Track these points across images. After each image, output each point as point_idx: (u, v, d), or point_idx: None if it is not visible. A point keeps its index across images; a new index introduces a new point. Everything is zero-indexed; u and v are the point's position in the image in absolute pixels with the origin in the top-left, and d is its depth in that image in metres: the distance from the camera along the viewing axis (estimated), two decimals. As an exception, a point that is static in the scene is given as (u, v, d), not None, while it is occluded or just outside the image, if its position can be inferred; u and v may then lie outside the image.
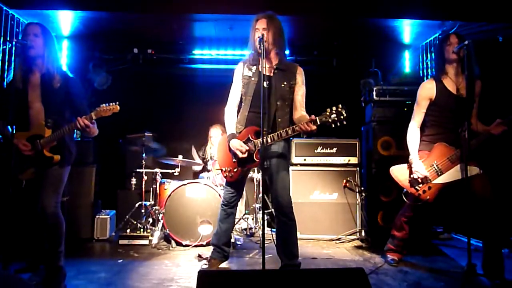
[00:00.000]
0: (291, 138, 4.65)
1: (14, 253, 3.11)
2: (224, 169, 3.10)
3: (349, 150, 4.66)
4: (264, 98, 2.66)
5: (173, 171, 4.59)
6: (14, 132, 2.79)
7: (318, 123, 2.70)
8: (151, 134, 5.24)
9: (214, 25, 5.09)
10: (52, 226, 2.78)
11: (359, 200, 4.55)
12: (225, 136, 3.07)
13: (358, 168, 4.63)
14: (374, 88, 4.48)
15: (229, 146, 2.98)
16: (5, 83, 4.04)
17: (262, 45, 2.70)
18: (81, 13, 4.61)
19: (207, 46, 5.58)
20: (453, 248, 4.23)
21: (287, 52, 5.48)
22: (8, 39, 4.33)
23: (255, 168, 4.53)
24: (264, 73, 2.71)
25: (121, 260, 3.62)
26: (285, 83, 2.96)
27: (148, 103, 5.73)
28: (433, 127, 3.21)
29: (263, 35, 2.77)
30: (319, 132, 4.58)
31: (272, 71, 2.97)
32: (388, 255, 3.55)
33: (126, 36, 5.41)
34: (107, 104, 2.77)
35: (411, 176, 3.18)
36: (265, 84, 2.71)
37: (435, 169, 3.13)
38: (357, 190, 4.56)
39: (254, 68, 3.00)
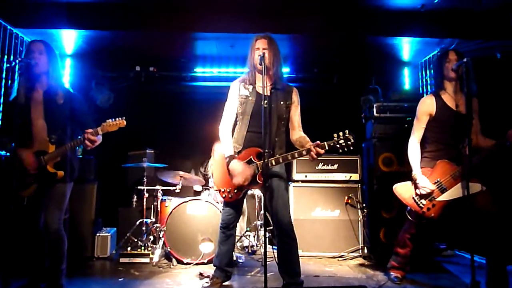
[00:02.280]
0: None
1: (16, 271, 3.10)
2: (222, 190, 3.02)
3: (350, 167, 4.66)
4: (264, 118, 2.69)
5: (174, 188, 4.58)
6: (16, 149, 2.79)
7: (327, 148, 2.73)
8: (152, 151, 5.26)
9: (215, 43, 5.17)
10: (54, 243, 2.77)
11: (361, 216, 4.52)
12: (223, 156, 3.00)
13: (359, 184, 4.62)
14: (375, 105, 4.51)
15: (228, 169, 2.91)
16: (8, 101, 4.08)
17: (263, 63, 2.74)
18: (84, 32, 4.68)
19: (209, 64, 5.65)
20: (457, 265, 4.19)
21: (287, 69, 5.62)
22: (12, 57, 4.39)
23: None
24: (262, 92, 2.74)
25: (121, 279, 3.58)
26: (282, 102, 2.98)
27: (150, 120, 5.76)
28: (433, 143, 3.21)
29: (264, 53, 2.83)
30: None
31: (270, 90, 2.96)
32: (392, 273, 3.51)
33: (128, 54, 5.48)
34: (113, 119, 2.80)
35: (416, 192, 3.16)
36: (265, 103, 2.73)
37: (439, 186, 3.12)
38: (359, 207, 4.54)
39: (251, 87, 3.00)
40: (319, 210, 4.56)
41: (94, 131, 2.75)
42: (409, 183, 3.26)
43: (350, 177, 4.64)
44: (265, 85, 2.74)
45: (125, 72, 5.59)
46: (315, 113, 5.35)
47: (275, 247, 4.66)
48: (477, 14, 4.53)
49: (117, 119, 2.81)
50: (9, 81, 4.33)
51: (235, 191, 2.99)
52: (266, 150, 2.64)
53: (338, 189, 4.61)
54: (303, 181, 4.64)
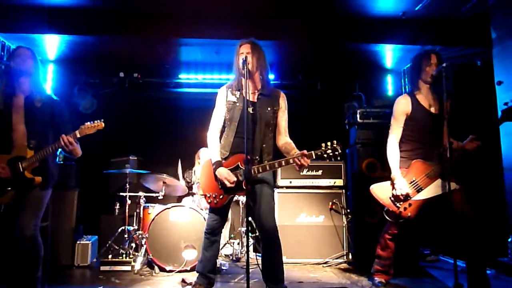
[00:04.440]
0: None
1: None
2: (208, 195, 3.00)
3: (335, 172, 4.67)
4: (249, 124, 2.73)
5: (157, 194, 4.52)
6: None
7: (314, 157, 2.72)
8: (136, 158, 5.20)
9: (200, 49, 5.17)
10: (29, 249, 2.70)
11: (345, 222, 4.52)
12: (209, 161, 3.00)
13: (344, 190, 4.63)
14: (358, 111, 4.55)
15: (215, 174, 2.90)
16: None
17: (245, 67, 2.75)
18: (67, 37, 4.65)
19: (193, 70, 5.64)
20: (440, 270, 4.20)
21: (272, 76, 5.64)
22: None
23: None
24: (248, 98, 2.77)
25: (101, 287, 3.49)
26: (269, 108, 2.97)
27: (134, 127, 5.71)
28: (409, 142, 3.24)
29: (246, 57, 2.85)
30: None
31: (256, 96, 2.97)
32: (376, 278, 3.48)
33: (112, 60, 5.45)
34: (91, 122, 2.76)
35: (393, 193, 3.18)
36: (250, 110, 2.79)
37: (415, 186, 3.15)
38: (343, 212, 4.54)
39: (238, 93, 2.98)
40: (303, 216, 4.54)
41: (72, 135, 2.71)
42: (386, 183, 3.28)
43: (335, 182, 4.65)
44: (247, 89, 2.75)
45: (109, 78, 5.54)
46: (300, 120, 5.34)
47: (259, 254, 4.67)
48: (458, 22, 4.63)
49: (96, 121, 2.76)
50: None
51: (221, 196, 2.95)
52: (249, 157, 2.64)
53: (323, 195, 4.61)
54: (287, 187, 4.63)
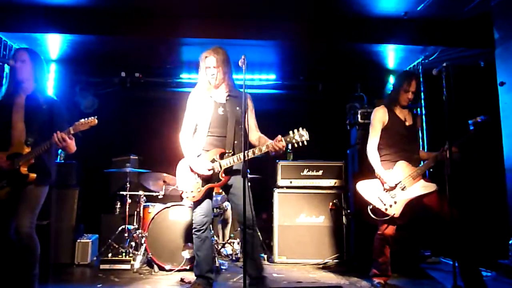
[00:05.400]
0: (277, 161, 4.66)
1: None
2: (186, 191, 3.11)
3: (335, 173, 4.66)
4: (221, 123, 3.09)
5: (157, 193, 4.53)
6: None
7: (284, 143, 2.91)
8: (136, 157, 5.21)
9: (201, 49, 5.13)
10: (25, 247, 2.70)
11: (345, 223, 4.50)
12: (184, 160, 3.17)
13: (344, 190, 4.61)
14: (359, 111, 4.53)
15: (191, 168, 3.08)
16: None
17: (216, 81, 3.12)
18: (69, 36, 4.66)
19: (195, 70, 5.61)
20: (440, 271, 4.17)
21: (274, 76, 5.65)
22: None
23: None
24: (218, 101, 3.12)
25: (100, 285, 3.50)
26: (237, 108, 3.14)
27: (135, 126, 5.72)
28: (388, 147, 3.42)
29: (214, 73, 3.09)
30: (305, 154, 4.62)
31: (225, 98, 3.18)
32: (374, 280, 3.48)
33: (113, 60, 5.46)
34: (85, 119, 2.77)
35: (385, 187, 3.28)
36: (220, 110, 3.11)
37: (400, 185, 3.26)
38: (343, 213, 4.52)
39: (207, 95, 3.17)
40: (303, 217, 4.53)
41: (65, 131, 2.72)
42: (371, 181, 3.37)
43: (335, 183, 4.63)
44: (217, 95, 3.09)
45: (110, 78, 5.56)
46: (301, 121, 5.28)
47: (261, 254, 4.67)
48: (460, 22, 4.60)
49: (89, 118, 2.78)
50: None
51: (198, 190, 3.08)
52: (224, 150, 3.04)
53: (323, 195, 4.59)
54: (287, 187, 4.62)
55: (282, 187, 4.62)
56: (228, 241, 4.66)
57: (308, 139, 2.91)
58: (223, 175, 3.05)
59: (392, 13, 4.47)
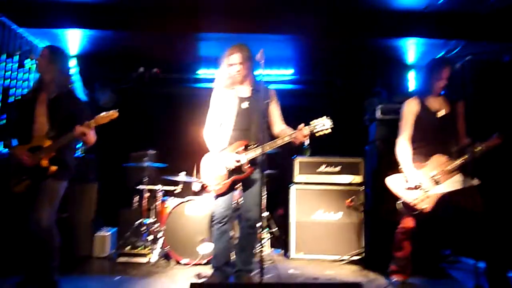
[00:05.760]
0: (294, 157, 4.63)
1: (11, 267, 3.18)
2: (211, 184, 3.16)
3: (354, 169, 4.59)
4: (246, 117, 3.13)
5: (175, 188, 4.55)
6: (13, 146, 2.89)
7: (307, 131, 2.96)
8: (154, 152, 5.24)
9: (218, 44, 5.14)
10: (45, 239, 2.76)
11: (363, 220, 4.44)
12: (208, 154, 3.24)
13: (362, 187, 4.55)
14: (378, 107, 4.45)
15: (217, 160, 3.13)
16: (13, 98, 4.12)
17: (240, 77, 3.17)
18: (89, 32, 4.71)
19: (212, 65, 5.63)
20: (461, 270, 4.08)
21: (292, 71, 5.61)
22: (17, 57, 4.41)
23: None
24: (243, 96, 3.18)
25: (118, 277, 3.55)
26: (261, 101, 3.13)
27: (153, 121, 5.76)
28: (420, 140, 3.28)
29: (239, 70, 3.13)
30: (322, 150, 4.58)
31: (249, 92, 3.23)
32: (393, 277, 3.43)
33: (132, 55, 5.49)
34: (106, 112, 2.83)
35: (407, 185, 3.19)
36: (244, 105, 3.16)
37: (433, 179, 3.15)
38: (361, 210, 4.46)
39: (232, 91, 3.23)
40: (321, 213, 4.49)
41: (86, 124, 2.76)
42: (401, 175, 3.27)
43: (353, 179, 4.57)
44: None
45: (129, 73, 5.58)
46: (318, 116, 5.29)
47: (277, 250, 4.66)
48: (484, 15, 4.45)
49: (110, 111, 2.82)
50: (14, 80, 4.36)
51: (224, 182, 3.12)
52: (248, 143, 3.08)
53: (341, 191, 4.53)
54: (305, 183, 4.58)
55: (299, 183, 4.58)
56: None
57: (332, 126, 2.94)
58: (248, 166, 3.09)
59: (412, 6, 4.36)
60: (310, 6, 4.47)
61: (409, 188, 3.17)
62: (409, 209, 3.20)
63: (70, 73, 3.04)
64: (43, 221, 2.73)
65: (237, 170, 3.11)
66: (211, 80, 5.66)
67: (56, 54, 2.98)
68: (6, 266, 3.39)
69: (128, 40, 5.09)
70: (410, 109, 3.33)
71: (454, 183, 3.11)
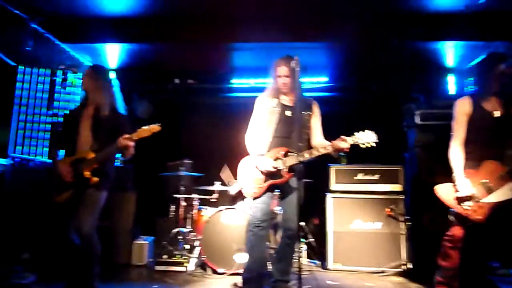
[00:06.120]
0: (329, 165, 4.54)
1: (56, 274, 3.29)
2: (247, 187, 3.18)
3: (392, 177, 4.45)
4: (288, 125, 3.17)
5: (210, 197, 4.57)
6: (56, 158, 3.05)
7: (347, 143, 2.93)
8: (190, 162, 5.30)
9: (252, 54, 5.19)
10: (87, 247, 2.85)
11: (404, 230, 4.28)
12: (247, 158, 3.28)
13: (402, 196, 4.39)
14: (417, 112, 4.31)
15: (256, 165, 3.14)
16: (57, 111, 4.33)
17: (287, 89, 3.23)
18: (127, 45, 4.87)
19: (246, 75, 5.67)
20: (511, 284, 3.84)
21: (326, 79, 5.55)
22: (60, 72, 4.61)
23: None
24: (287, 104, 3.24)
25: (156, 286, 3.58)
26: (304, 112, 3.20)
27: (188, 131, 5.84)
28: (474, 143, 3.05)
29: (285, 82, 3.19)
30: (359, 158, 4.48)
31: (293, 102, 3.25)
32: (438, 289, 3.25)
33: (167, 67, 5.62)
34: (148, 126, 2.91)
35: (457, 195, 2.97)
36: (288, 113, 3.20)
37: (485, 187, 2.92)
38: (401, 219, 4.30)
39: (276, 100, 3.27)
40: (359, 222, 4.36)
41: (129, 137, 2.84)
42: (452, 184, 3.06)
43: (392, 188, 4.42)
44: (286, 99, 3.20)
45: (164, 85, 5.73)
46: (354, 123, 5.16)
47: (313, 261, 4.56)
48: (529, 15, 4.25)
49: (152, 125, 2.90)
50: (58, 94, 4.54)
51: (260, 185, 3.13)
52: (288, 150, 3.08)
53: (379, 200, 4.40)
54: (341, 192, 4.48)
55: (335, 191, 4.49)
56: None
57: (376, 141, 2.91)
58: (286, 172, 3.07)
59: (451, 7, 4.21)
60: (344, 11, 4.42)
61: (460, 198, 2.96)
62: (461, 220, 2.99)
63: (113, 90, 3.19)
64: (84, 230, 2.83)
65: (276, 175, 3.10)
66: (245, 90, 5.80)
67: (100, 72, 3.16)
68: (50, 273, 3.51)
69: (164, 52, 5.21)
70: (462, 110, 3.10)
71: (508, 192, 2.87)
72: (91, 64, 3.39)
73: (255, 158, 3.17)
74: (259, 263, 3.15)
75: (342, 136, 2.96)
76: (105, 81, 3.15)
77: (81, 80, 3.15)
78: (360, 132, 2.93)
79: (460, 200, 2.96)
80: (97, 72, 3.16)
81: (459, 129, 3.10)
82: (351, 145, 2.93)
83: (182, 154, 5.37)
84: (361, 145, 2.92)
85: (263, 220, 3.13)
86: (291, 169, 3.08)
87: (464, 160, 3.06)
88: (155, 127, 2.91)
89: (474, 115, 3.05)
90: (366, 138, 2.91)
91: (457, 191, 2.97)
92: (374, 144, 2.91)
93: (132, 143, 2.89)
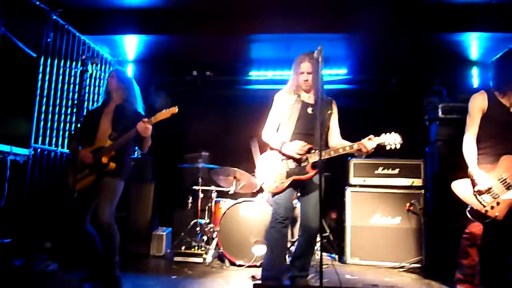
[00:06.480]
0: (349, 158, 4.49)
1: (76, 262, 3.40)
2: (268, 182, 3.09)
3: (413, 172, 4.37)
4: (310, 122, 3.10)
5: (228, 189, 4.57)
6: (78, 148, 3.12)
7: (375, 143, 2.93)
8: (208, 154, 5.31)
9: (270, 46, 5.14)
10: (106, 236, 2.94)
11: (424, 225, 4.21)
12: (267, 153, 3.19)
13: (423, 191, 4.32)
14: (440, 106, 4.21)
15: (282, 153, 3.05)
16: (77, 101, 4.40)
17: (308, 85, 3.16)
18: (145, 37, 4.87)
19: (264, 67, 5.63)
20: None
21: (345, 71, 5.47)
22: (79, 63, 4.64)
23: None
24: (307, 101, 3.16)
25: (175, 277, 3.61)
26: (324, 110, 3.12)
27: (206, 123, 5.83)
28: (489, 139, 3.06)
29: (307, 79, 3.13)
30: (380, 152, 4.41)
31: (313, 99, 3.20)
32: (458, 286, 3.20)
33: (185, 59, 5.61)
34: (166, 109, 3.02)
35: (474, 189, 2.95)
36: (309, 110, 3.12)
37: (504, 183, 2.89)
38: (421, 215, 4.24)
39: (296, 96, 3.19)
40: (378, 217, 4.31)
41: (148, 120, 2.97)
42: (468, 180, 3.03)
43: (413, 182, 4.35)
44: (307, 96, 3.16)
45: (182, 77, 5.73)
46: (374, 116, 5.11)
47: (331, 255, 4.53)
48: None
49: (170, 108, 3.01)
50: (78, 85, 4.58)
51: (281, 181, 3.04)
52: (312, 147, 3.00)
53: (399, 195, 4.33)
54: (361, 186, 4.43)
55: (355, 185, 4.44)
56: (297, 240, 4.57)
57: (401, 142, 2.91)
58: (311, 168, 3.01)
59: (477, -3, 4.10)
60: (364, 2, 4.33)
61: (478, 193, 2.94)
62: (479, 217, 2.96)
63: (134, 91, 3.37)
64: (102, 218, 2.92)
65: (300, 171, 3.03)
66: (263, 82, 5.76)
67: (122, 76, 3.39)
68: (71, 262, 3.57)
69: (183, 44, 5.20)
70: (477, 105, 3.10)
71: None
72: (116, 68, 3.59)
73: (279, 146, 3.05)
74: (279, 260, 3.10)
75: (371, 136, 2.93)
76: (127, 83, 3.35)
77: (106, 81, 3.33)
78: (387, 134, 2.93)
79: (478, 194, 2.94)
80: (119, 74, 3.36)
81: (473, 124, 3.11)
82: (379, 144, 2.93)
83: (200, 146, 5.38)
84: (387, 146, 2.92)
85: (286, 217, 3.06)
86: (314, 166, 3.02)
87: (481, 155, 3.05)
88: (173, 109, 3.02)
89: (490, 110, 3.05)
90: (392, 139, 2.91)
91: (474, 185, 2.96)
92: (399, 146, 2.91)
93: (150, 127, 2.98)
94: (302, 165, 3.01)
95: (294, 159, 3.02)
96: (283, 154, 3.06)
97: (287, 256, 3.83)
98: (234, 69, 5.71)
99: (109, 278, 2.91)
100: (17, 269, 2.77)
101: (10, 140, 3.46)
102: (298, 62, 3.14)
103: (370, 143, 2.90)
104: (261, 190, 4.86)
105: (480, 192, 2.93)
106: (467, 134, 3.12)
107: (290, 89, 3.22)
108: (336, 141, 3.23)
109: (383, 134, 2.94)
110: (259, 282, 3.17)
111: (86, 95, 4.92)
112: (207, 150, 5.34)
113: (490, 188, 2.91)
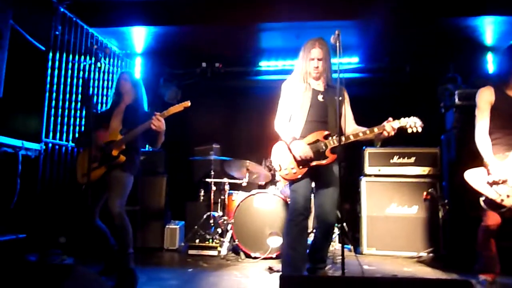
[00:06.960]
0: (364, 148, 4.42)
1: (91, 256, 3.43)
2: (285, 169, 2.91)
3: (429, 160, 4.30)
4: (323, 109, 2.99)
5: (241, 181, 4.52)
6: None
7: (396, 125, 2.81)
8: (218, 146, 5.26)
9: (280, 34, 5.06)
10: (119, 228, 2.94)
11: (441, 214, 4.14)
12: (281, 142, 3.03)
13: (439, 179, 4.24)
14: (456, 92, 4.12)
15: (290, 149, 2.90)
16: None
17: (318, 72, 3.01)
18: (153, 29, 4.81)
19: (274, 57, 5.55)
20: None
21: (357, 59, 5.38)
22: (88, 56, 4.59)
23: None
24: (317, 89, 3.03)
25: (191, 270, 3.58)
26: (335, 97, 2.94)
27: (217, 115, 5.78)
28: (499, 130, 3.03)
29: (318, 65, 2.98)
30: (395, 140, 4.33)
31: (324, 86, 3.07)
32: (480, 276, 3.14)
33: (195, 51, 5.55)
34: (178, 104, 3.03)
35: (490, 179, 2.89)
36: (320, 98, 2.99)
37: None
38: (439, 204, 4.16)
39: (305, 84, 3.05)
40: (394, 207, 4.25)
41: (161, 114, 2.96)
42: (482, 169, 2.97)
43: (429, 171, 4.27)
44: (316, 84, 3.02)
45: (192, 69, 5.68)
46: (387, 105, 5.01)
47: (347, 246, 4.47)
48: None
49: (182, 102, 3.02)
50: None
51: (300, 167, 2.89)
52: (328, 133, 2.91)
53: (415, 184, 4.26)
54: (376, 175, 4.36)
55: (370, 175, 4.37)
56: (312, 231, 4.51)
57: (422, 125, 2.81)
58: (330, 153, 2.87)
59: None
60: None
61: (492, 183, 2.88)
62: (494, 206, 2.90)
63: (142, 92, 3.40)
64: (114, 209, 2.93)
65: (318, 157, 2.87)
66: (273, 72, 5.69)
67: (134, 79, 3.42)
68: (86, 256, 3.56)
69: (191, 35, 5.14)
70: (485, 99, 3.09)
71: None
72: (123, 71, 3.63)
73: (289, 141, 2.89)
74: (301, 257, 2.91)
75: (390, 118, 2.83)
76: (137, 86, 3.38)
77: (120, 83, 3.36)
78: (406, 118, 2.83)
79: (493, 183, 2.88)
80: (131, 77, 3.41)
81: (483, 117, 3.08)
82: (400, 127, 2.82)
83: (210, 138, 5.34)
84: (409, 129, 2.81)
85: (306, 208, 2.91)
86: (334, 151, 2.87)
87: (493, 145, 3.01)
88: (185, 103, 3.01)
89: (498, 102, 3.04)
90: (413, 122, 2.81)
91: (489, 174, 2.90)
92: (420, 129, 2.81)
93: (163, 122, 2.96)
94: (320, 151, 2.87)
95: (310, 145, 2.88)
96: (290, 151, 2.91)
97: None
98: (244, 60, 5.64)
99: (124, 271, 2.89)
100: (33, 264, 2.75)
101: (21, 135, 3.44)
102: (308, 48, 2.99)
103: (391, 124, 2.80)
104: (273, 181, 4.81)
105: (496, 183, 2.88)
106: (478, 125, 3.09)
107: (298, 76, 3.06)
108: (352, 127, 3.11)
109: (402, 118, 2.84)
110: (284, 274, 3.03)
111: (96, 89, 4.89)
112: (217, 142, 5.29)
113: (505, 179, 2.85)
